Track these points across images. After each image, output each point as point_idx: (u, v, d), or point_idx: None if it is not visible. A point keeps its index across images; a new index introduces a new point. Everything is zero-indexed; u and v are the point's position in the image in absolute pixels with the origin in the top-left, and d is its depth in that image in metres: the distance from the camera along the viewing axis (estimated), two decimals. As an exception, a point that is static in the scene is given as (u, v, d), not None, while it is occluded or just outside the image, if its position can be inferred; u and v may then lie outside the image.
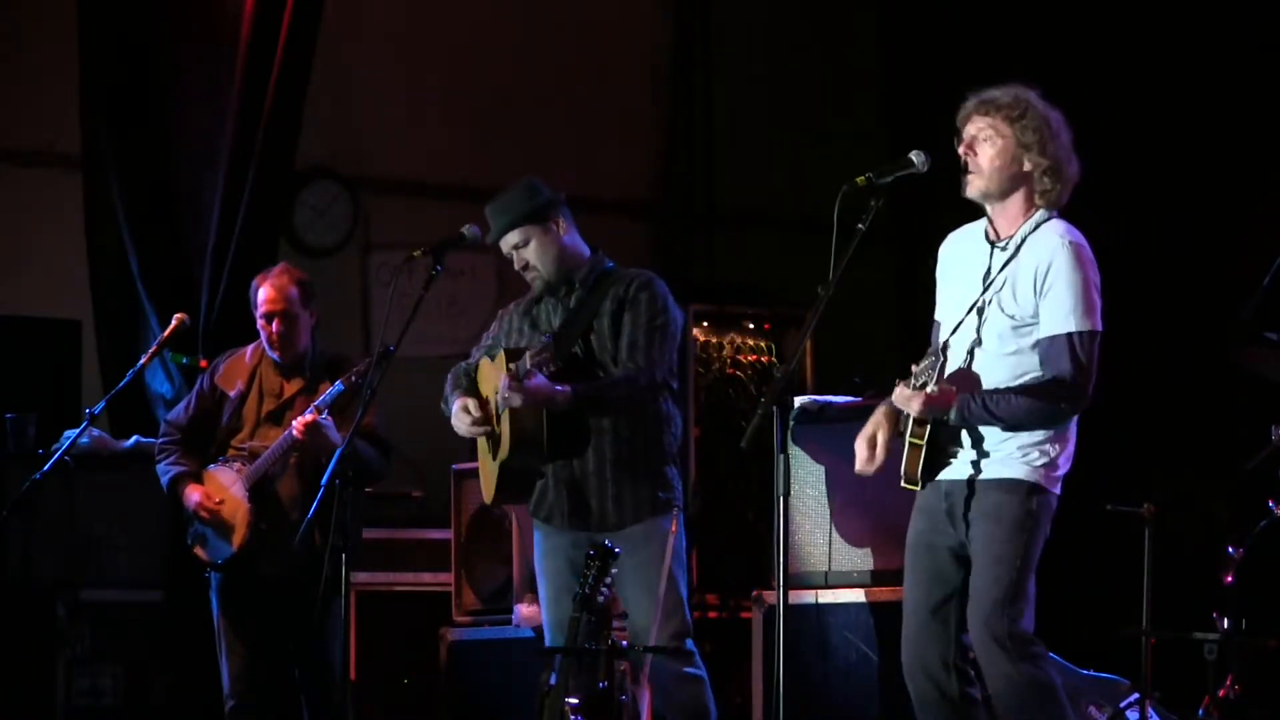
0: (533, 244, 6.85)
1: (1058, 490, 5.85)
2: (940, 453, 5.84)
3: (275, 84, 9.31)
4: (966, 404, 5.74)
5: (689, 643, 6.84)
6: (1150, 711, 7.22)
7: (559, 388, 6.65)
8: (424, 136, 10.92)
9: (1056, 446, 5.81)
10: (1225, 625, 7.29)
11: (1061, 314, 5.73)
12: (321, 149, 10.47)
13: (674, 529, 6.80)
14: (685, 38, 11.60)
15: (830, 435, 7.42)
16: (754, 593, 7.60)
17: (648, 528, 6.77)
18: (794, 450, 7.43)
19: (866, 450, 5.92)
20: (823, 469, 7.50)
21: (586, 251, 6.93)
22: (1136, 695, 7.26)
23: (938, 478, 5.89)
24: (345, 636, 7.23)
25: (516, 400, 6.64)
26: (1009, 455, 5.79)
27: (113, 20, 9.52)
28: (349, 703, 7.63)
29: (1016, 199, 5.87)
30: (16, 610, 8.72)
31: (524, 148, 11.05)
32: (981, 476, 5.81)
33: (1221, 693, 7.31)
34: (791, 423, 7.40)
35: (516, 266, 6.92)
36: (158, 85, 9.54)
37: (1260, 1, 9.37)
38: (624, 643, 6.52)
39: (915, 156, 5.82)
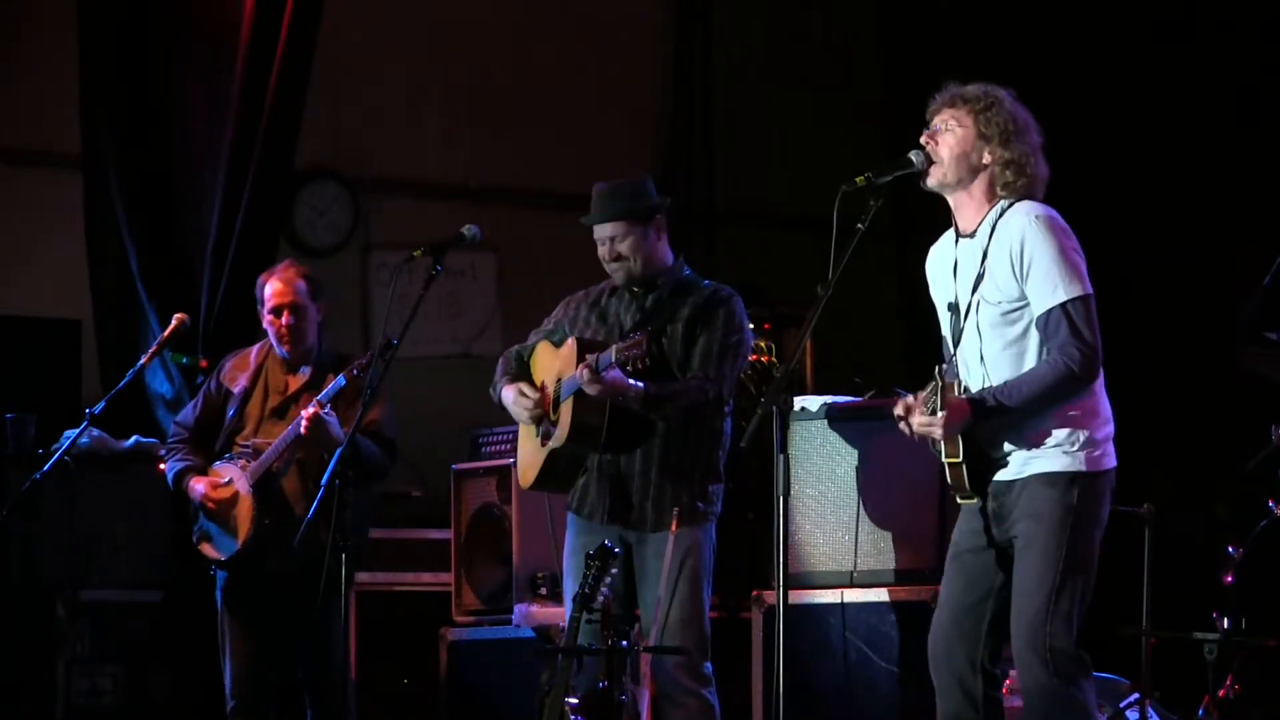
0: (630, 240, 6.94)
1: (1107, 465, 5.79)
2: (983, 461, 5.81)
3: (275, 84, 9.31)
4: (982, 405, 5.74)
5: (708, 667, 6.85)
6: (1150, 711, 7.22)
7: (633, 383, 6.69)
8: (424, 136, 10.93)
9: (1089, 420, 5.77)
10: (1225, 625, 7.29)
11: (1049, 288, 5.72)
12: (321, 149, 10.48)
13: (699, 539, 6.83)
14: (685, 37, 11.60)
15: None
16: (754, 593, 7.60)
17: (681, 534, 6.79)
18: (794, 450, 7.42)
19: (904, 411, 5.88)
20: (822, 469, 7.50)
21: (670, 258, 7.03)
22: (1136, 695, 7.26)
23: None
24: (346, 636, 7.24)
25: (595, 391, 6.67)
26: (1048, 449, 5.75)
27: (113, 21, 9.52)
28: (352, 703, 7.64)
29: (977, 190, 5.87)
30: (16, 610, 8.72)
31: (524, 147, 11.07)
32: (1024, 474, 5.78)
33: (1221, 693, 7.31)
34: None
35: (603, 253, 6.98)
36: (157, 85, 9.55)
37: (1261, 7, 9.38)
38: (624, 643, 6.52)
39: (915, 156, 5.84)
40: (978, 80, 5.95)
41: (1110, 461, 5.82)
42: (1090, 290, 5.75)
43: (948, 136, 5.86)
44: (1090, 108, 9.71)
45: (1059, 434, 5.76)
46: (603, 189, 7.01)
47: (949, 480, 5.83)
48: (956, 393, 5.77)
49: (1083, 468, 5.75)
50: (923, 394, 5.78)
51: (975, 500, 5.84)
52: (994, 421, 5.76)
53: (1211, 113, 9.61)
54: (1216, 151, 9.60)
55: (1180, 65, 9.66)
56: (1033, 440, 5.77)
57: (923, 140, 5.88)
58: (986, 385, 5.82)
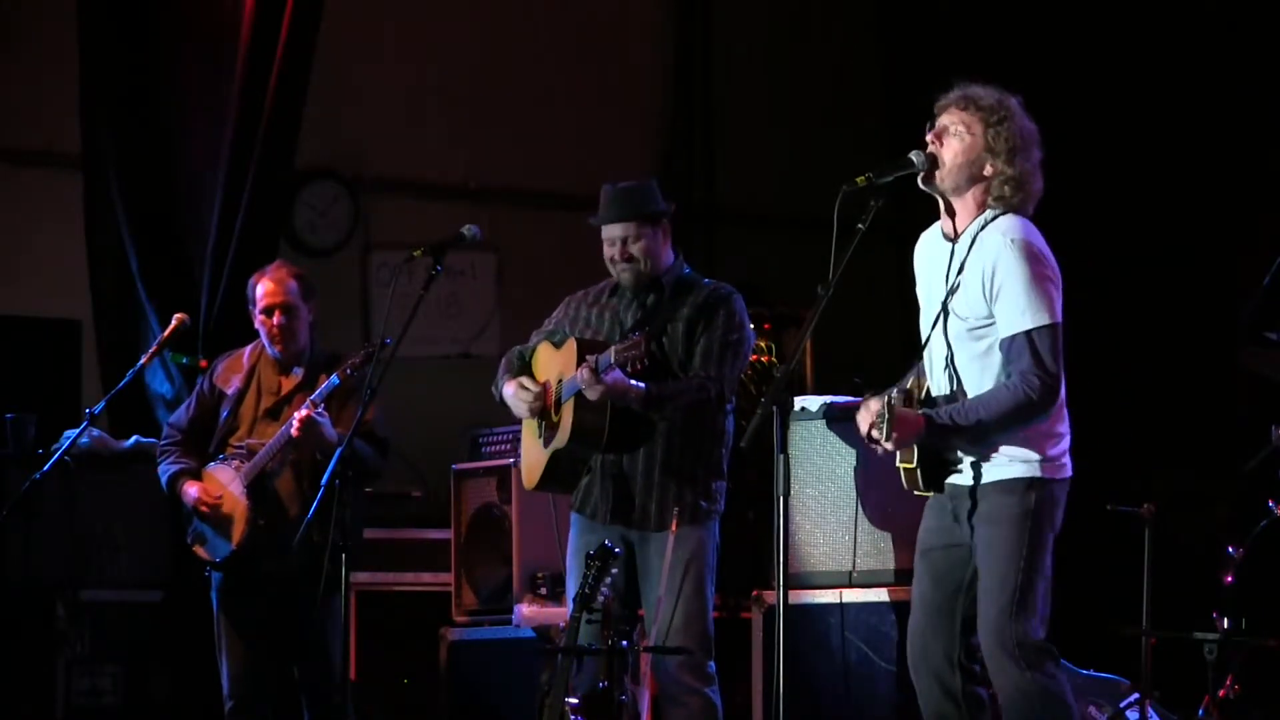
0: (643, 242, 6.95)
1: (1064, 475, 5.80)
2: (937, 464, 5.83)
3: (275, 84, 9.31)
4: (933, 423, 5.74)
5: (710, 665, 6.86)
6: (1150, 711, 7.22)
7: (634, 384, 6.70)
8: (424, 136, 10.93)
9: (1044, 440, 5.77)
10: (1225, 625, 7.29)
11: (1016, 313, 5.71)
12: (321, 149, 10.48)
13: (703, 538, 6.84)
14: (685, 37, 11.60)
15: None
16: (754, 593, 7.60)
17: (683, 533, 6.79)
18: (794, 450, 7.43)
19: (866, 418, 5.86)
20: (822, 469, 7.51)
21: (672, 258, 7.04)
22: (1136, 695, 7.26)
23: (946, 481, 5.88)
24: (345, 636, 7.24)
25: (595, 394, 6.68)
26: (1004, 456, 5.77)
27: (113, 20, 9.52)
28: (349, 702, 7.63)
29: (971, 198, 5.84)
30: (16, 610, 8.72)
31: (524, 147, 11.07)
32: (981, 481, 5.79)
33: (1221, 693, 7.32)
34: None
35: (611, 254, 6.98)
36: (158, 85, 9.54)
37: (1259, 7, 9.39)
38: (624, 643, 6.52)
39: (915, 156, 5.82)
40: (979, 81, 5.93)
41: (1067, 472, 5.83)
42: (1058, 320, 5.72)
43: (954, 141, 5.82)
44: (1091, 108, 9.71)
45: (1014, 449, 5.76)
46: (614, 189, 7.00)
47: (904, 482, 5.86)
48: (917, 396, 5.80)
49: (1039, 474, 5.76)
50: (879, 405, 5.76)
51: (932, 494, 5.85)
52: (948, 439, 5.77)
53: (1213, 113, 9.61)
54: (1218, 152, 9.60)
55: (1181, 65, 9.66)
56: (989, 451, 5.78)
57: (928, 139, 5.85)
58: (952, 390, 5.83)
